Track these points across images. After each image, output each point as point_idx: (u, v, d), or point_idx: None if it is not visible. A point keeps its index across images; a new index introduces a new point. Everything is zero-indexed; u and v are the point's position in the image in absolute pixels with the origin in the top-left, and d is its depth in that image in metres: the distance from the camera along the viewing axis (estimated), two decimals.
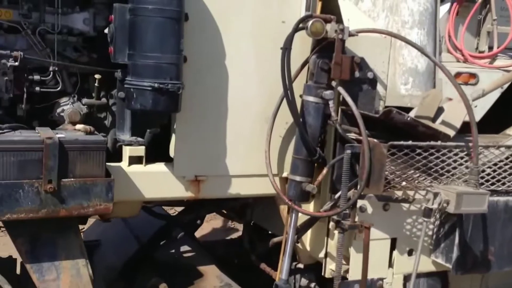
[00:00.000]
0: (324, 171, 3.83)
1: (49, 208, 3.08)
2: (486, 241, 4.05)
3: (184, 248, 4.74)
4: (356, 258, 3.96)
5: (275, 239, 4.36)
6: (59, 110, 3.67)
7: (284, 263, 3.93)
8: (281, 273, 3.93)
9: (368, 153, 3.60)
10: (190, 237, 4.97)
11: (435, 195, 3.45)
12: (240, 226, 7.37)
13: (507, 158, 4.02)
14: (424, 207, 3.63)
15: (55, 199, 3.08)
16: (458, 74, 4.41)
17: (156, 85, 3.27)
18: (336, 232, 3.98)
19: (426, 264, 4.23)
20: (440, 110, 4.11)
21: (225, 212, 5.13)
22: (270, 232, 4.72)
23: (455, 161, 3.79)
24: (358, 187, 3.74)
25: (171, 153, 3.86)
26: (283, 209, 4.18)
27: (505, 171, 4.00)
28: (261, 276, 4.50)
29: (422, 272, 4.23)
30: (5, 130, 3.11)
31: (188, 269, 4.25)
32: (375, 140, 3.62)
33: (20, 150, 3.00)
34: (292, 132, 4.01)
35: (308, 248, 4.28)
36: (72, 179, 3.12)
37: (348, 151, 3.72)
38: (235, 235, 6.63)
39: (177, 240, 4.75)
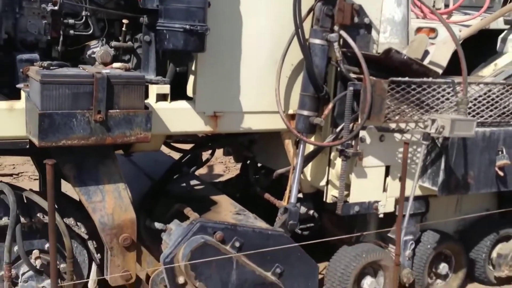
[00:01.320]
0: (330, 105, 4.31)
1: (98, 136, 3.44)
2: (467, 166, 4.62)
3: (194, 182, 5.15)
4: (356, 182, 4.49)
5: (279, 171, 4.81)
6: (89, 52, 4.00)
7: (293, 189, 4.40)
8: (290, 198, 4.41)
9: (370, 89, 4.08)
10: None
11: (433, 121, 3.98)
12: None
13: (485, 93, 4.57)
14: (423, 132, 4.15)
15: (103, 128, 3.44)
16: (420, 29, 4.95)
17: (187, 26, 3.65)
18: (338, 161, 4.49)
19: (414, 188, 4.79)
20: (426, 53, 4.63)
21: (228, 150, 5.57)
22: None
23: (443, 95, 4.32)
24: (360, 119, 4.23)
25: (189, 92, 4.25)
26: (288, 143, 4.65)
27: (483, 105, 4.56)
28: (261, 208, 4.90)
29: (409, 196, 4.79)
30: (55, 67, 3.43)
31: (203, 198, 4.66)
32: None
33: (73, 83, 3.34)
34: (297, 72, 4.45)
35: (309, 178, 4.77)
36: (117, 110, 3.47)
37: (351, 88, 4.21)
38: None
39: (188, 175, 5.16)
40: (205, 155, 5.54)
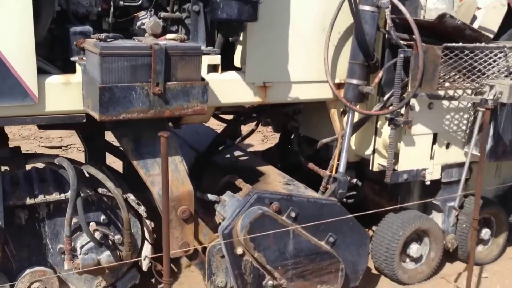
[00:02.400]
0: (380, 73, 4.26)
1: (156, 109, 3.41)
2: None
3: (238, 153, 5.14)
4: (404, 151, 4.48)
5: (324, 140, 4.79)
6: (138, 23, 3.95)
7: (342, 158, 4.39)
8: (339, 167, 4.40)
9: (423, 55, 4.03)
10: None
11: (491, 87, 3.93)
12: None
13: None
14: (480, 98, 4.11)
15: (161, 101, 3.41)
16: None
17: None
18: (385, 129, 4.47)
19: (459, 155, 4.78)
20: (473, 18, 4.55)
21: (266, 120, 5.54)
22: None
23: (494, 61, 4.26)
24: (410, 87, 4.19)
25: (237, 63, 4.21)
26: (334, 112, 4.61)
27: None
28: (301, 178, 4.89)
29: (455, 163, 4.78)
30: (111, 39, 3.38)
31: (250, 169, 4.66)
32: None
33: (132, 55, 3.30)
34: (344, 41, 4.39)
35: (353, 147, 4.75)
36: (175, 82, 3.44)
37: (401, 55, 4.15)
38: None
39: (232, 147, 5.15)
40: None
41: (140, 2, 3.90)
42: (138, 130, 3.64)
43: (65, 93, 3.52)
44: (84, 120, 3.61)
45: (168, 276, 3.34)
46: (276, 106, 4.61)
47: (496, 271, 5.16)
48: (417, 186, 4.96)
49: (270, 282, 3.96)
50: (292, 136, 5.32)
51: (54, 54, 3.68)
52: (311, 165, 4.96)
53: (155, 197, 3.69)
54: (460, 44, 4.11)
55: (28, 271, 3.94)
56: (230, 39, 3.89)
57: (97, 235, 3.91)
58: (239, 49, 4.19)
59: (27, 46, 3.29)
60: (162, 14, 3.96)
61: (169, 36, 3.67)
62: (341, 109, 4.63)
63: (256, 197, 3.82)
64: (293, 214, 3.91)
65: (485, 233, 5.17)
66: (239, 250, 3.81)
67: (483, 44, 4.20)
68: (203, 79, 3.59)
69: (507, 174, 5.43)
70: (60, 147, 7.77)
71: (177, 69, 3.44)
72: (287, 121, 5.12)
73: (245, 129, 5.75)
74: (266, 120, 5.59)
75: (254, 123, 5.36)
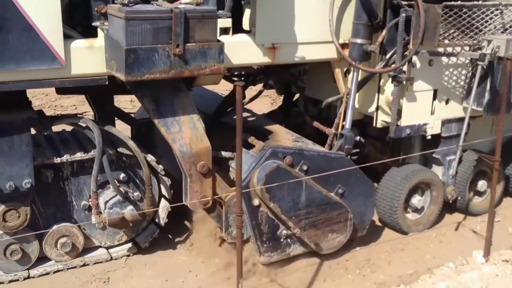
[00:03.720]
0: (384, 32, 4.47)
1: (177, 69, 3.61)
2: (510, 87, 4.81)
3: (246, 114, 5.35)
4: (407, 106, 4.70)
5: (329, 99, 5.00)
6: None
7: (348, 115, 4.61)
8: (345, 124, 4.62)
9: (424, 14, 4.23)
10: None
11: (489, 42, 4.16)
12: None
13: None
14: (479, 53, 4.34)
15: (181, 61, 3.60)
16: None
17: None
18: (388, 87, 4.69)
19: (459, 110, 5.02)
20: None
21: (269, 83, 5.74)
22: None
23: (491, 18, 4.48)
24: (412, 45, 4.40)
25: (245, 25, 4.40)
26: (338, 72, 4.83)
27: None
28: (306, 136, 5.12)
29: (455, 118, 5.03)
30: (132, 4, 3.55)
31: (259, 129, 4.86)
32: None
33: (154, 18, 3.48)
34: (346, 2, 4.58)
35: (357, 105, 4.97)
36: (193, 44, 3.63)
37: (403, 15, 4.35)
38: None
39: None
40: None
41: None
42: (158, 91, 3.84)
43: (89, 57, 3.71)
44: (107, 82, 3.81)
45: (240, 208, 3.53)
46: (283, 67, 4.80)
47: (506, 215, 5.50)
48: (418, 141, 5.19)
49: (285, 231, 4.22)
50: (296, 97, 5.51)
51: (74, 20, 3.85)
52: (316, 124, 5.18)
53: (177, 153, 3.91)
54: (459, 2, 4.31)
55: (55, 227, 4.18)
56: (243, 1, 4.06)
57: (124, 191, 4.15)
58: (247, 12, 4.38)
59: (54, 12, 3.48)
60: None
61: (184, 0, 3.84)
62: (345, 69, 4.84)
63: (271, 151, 4.05)
64: (304, 167, 4.15)
65: (482, 185, 5.44)
66: (256, 202, 4.05)
67: (480, 2, 4.41)
68: (218, 41, 3.78)
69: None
70: (75, 114, 7.90)
71: (195, 31, 3.63)
72: (294, 82, 5.32)
73: (250, 93, 5.93)
74: (269, 83, 5.79)
75: (261, 86, 5.55)
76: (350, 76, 4.70)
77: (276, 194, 4.04)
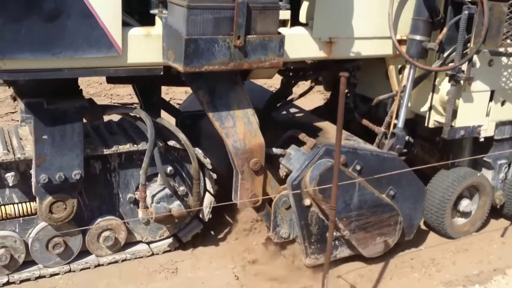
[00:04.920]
0: (445, 30, 4.29)
1: (236, 61, 3.47)
2: None
3: (294, 110, 5.22)
4: (463, 107, 4.53)
5: (381, 97, 4.84)
6: None
7: (401, 113, 4.45)
8: (398, 123, 4.47)
9: (488, 12, 4.05)
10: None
11: None
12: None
13: None
14: None
15: (241, 54, 3.46)
16: None
17: None
18: (443, 86, 4.53)
19: None
20: None
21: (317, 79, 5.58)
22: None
23: None
24: (473, 43, 4.23)
25: (302, 18, 4.24)
26: (392, 69, 4.67)
27: None
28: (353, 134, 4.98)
29: (509, 120, 4.86)
30: None
31: (308, 125, 4.72)
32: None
33: (216, 8, 3.34)
34: None
35: (409, 104, 4.80)
36: (254, 36, 3.48)
37: (466, 12, 4.17)
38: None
39: (288, 103, 5.22)
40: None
41: None
42: (214, 83, 3.71)
43: (146, 45, 3.57)
44: (162, 73, 3.68)
45: (335, 203, 3.50)
46: (338, 63, 4.64)
47: None
48: (468, 143, 5.02)
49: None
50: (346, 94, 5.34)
51: (131, 7, 3.72)
52: (365, 122, 5.03)
53: (230, 149, 3.78)
54: None
55: (99, 219, 4.08)
56: None
57: (172, 185, 4.03)
58: (305, 4, 4.22)
59: None
60: None
61: None
62: (399, 66, 4.68)
63: (325, 149, 3.91)
64: (358, 167, 4.01)
65: None
66: (307, 202, 3.92)
67: None
68: (279, 33, 3.63)
69: None
70: (132, 104, 7.86)
71: (257, 23, 3.48)
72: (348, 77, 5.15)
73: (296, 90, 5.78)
74: (317, 78, 5.63)
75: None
76: (405, 74, 4.53)
77: (330, 194, 3.89)
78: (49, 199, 3.75)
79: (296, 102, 5.54)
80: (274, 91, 5.30)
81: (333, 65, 4.67)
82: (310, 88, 5.54)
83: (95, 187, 4.03)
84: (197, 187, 4.11)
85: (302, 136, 4.25)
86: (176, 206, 4.08)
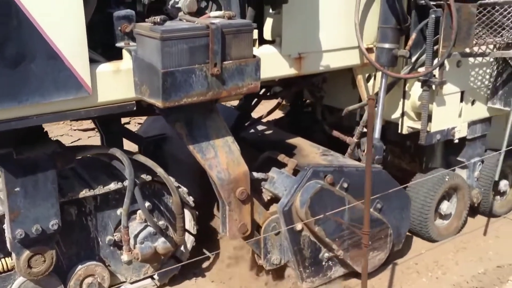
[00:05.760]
0: (414, 35, 4.26)
1: (214, 90, 3.30)
2: None
3: (262, 127, 5.08)
4: (437, 111, 4.52)
5: (350, 108, 4.77)
6: (171, 2, 3.76)
7: (377, 123, 4.38)
8: (374, 133, 4.39)
9: (456, 14, 4.04)
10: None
11: None
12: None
13: None
14: None
15: (218, 82, 3.30)
16: None
17: None
18: (414, 92, 4.52)
19: (483, 111, 4.88)
20: None
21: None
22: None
23: None
24: (442, 47, 4.20)
25: (267, 36, 4.12)
26: (360, 78, 4.61)
27: None
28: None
29: (479, 119, 4.89)
30: (159, 21, 3.22)
31: (281, 143, 4.60)
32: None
33: (190, 37, 3.16)
34: (369, 6, 4.36)
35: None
36: (230, 61, 3.32)
37: (433, 16, 4.15)
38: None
39: (256, 121, 5.08)
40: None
41: None
42: (190, 114, 3.53)
43: (115, 82, 3.36)
44: (135, 108, 3.48)
45: (368, 228, 3.49)
46: (305, 77, 4.54)
47: None
48: (440, 145, 5.03)
49: (326, 254, 3.99)
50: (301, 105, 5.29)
51: (93, 41, 3.49)
52: (336, 133, 4.96)
53: (214, 180, 3.61)
54: (493, 0, 4.14)
55: (79, 267, 3.84)
56: (274, 11, 3.79)
57: (154, 222, 3.83)
58: (269, 21, 4.10)
59: (79, 35, 3.12)
60: None
61: (213, 13, 3.53)
62: (367, 75, 4.63)
63: (312, 171, 3.80)
64: (345, 185, 3.92)
65: (504, 185, 5.32)
66: (299, 226, 3.80)
67: None
68: (254, 56, 3.49)
69: None
70: (93, 129, 7.61)
71: (232, 48, 3.33)
72: (317, 91, 5.07)
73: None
74: (274, 91, 5.50)
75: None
76: (377, 83, 4.49)
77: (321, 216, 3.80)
78: (27, 253, 3.48)
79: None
80: (237, 109, 5.15)
81: (300, 80, 4.57)
82: (278, 104, 5.42)
83: (71, 234, 3.78)
84: (180, 221, 3.91)
85: (282, 158, 4.14)
86: (161, 244, 3.88)
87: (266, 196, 4.02)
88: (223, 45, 3.27)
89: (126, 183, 3.77)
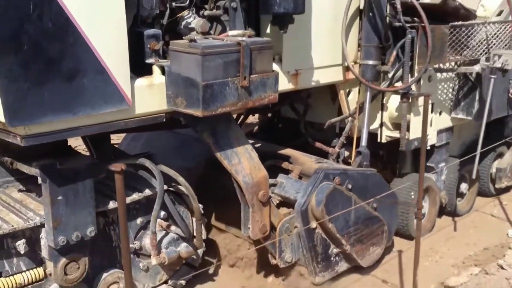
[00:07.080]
0: (394, 53, 4.78)
1: (242, 101, 3.63)
2: (492, 96, 5.32)
3: (251, 141, 5.37)
4: (415, 120, 5.03)
5: (333, 120, 5.21)
6: (184, 23, 4.08)
7: (363, 133, 4.85)
8: (361, 142, 4.86)
9: (431, 35, 4.61)
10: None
11: (499, 56, 4.61)
12: None
13: None
14: (489, 66, 4.79)
15: (246, 93, 3.63)
16: None
17: None
18: (391, 104, 5.04)
19: (448, 121, 5.47)
20: None
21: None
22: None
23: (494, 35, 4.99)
24: (418, 63, 4.76)
25: None
26: (342, 93, 5.07)
27: None
28: None
29: (445, 128, 5.48)
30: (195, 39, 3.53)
31: (275, 153, 4.92)
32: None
33: (225, 52, 3.49)
34: (350, 27, 4.84)
35: (356, 123, 5.23)
36: (256, 75, 3.67)
37: (409, 36, 4.70)
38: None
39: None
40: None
41: (187, 2, 4.04)
42: (213, 124, 3.83)
43: (150, 95, 3.61)
44: (164, 120, 3.73)
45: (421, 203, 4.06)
46: (297, 92, 4.94)
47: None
48: (410, 153, 5.56)
49: (335, 250, 4.37)
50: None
51: None
52: (318, 144, 5.37)
53: (240, 185, 3.90)
54: (462, 22, 4.75)
55: (105, 275, 3.98)
56: (282, 31, 4.17)
57: (174, 229, 4.06)
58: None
59: (123, 52, 3.37)
60: (206, 12, 4.13)
61: (231, 33, 3.87)
62: (347, 90, 5.09)
63: (324, 174, 4.18)
64: (349, 186, 4.34)
65: (465, 187, 5.93)
66: (313, 224, 4.15)
67: (485, 21, 4.90)
68: (273, 71, 3.85)
69: (465, 135, 6.19)
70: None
71: (257, 63, 3.68)
72: (304, 105, 5.45)
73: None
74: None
75: None
76: (354, 98, 4.97)
77: (334, 214, 4.17)
78: (63, 260, 3.62)
79: None
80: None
81: (294, 95, 4.98)
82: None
83: (97, 243, 3.93)
84: (199, 227, 4.16)
85: (286, 165, 4.50)
86: (184, 248, 4.11)
87: (275, 200, 4.35)
88: (250, 60, 3.62)
89: (146, 193, 4.00)
